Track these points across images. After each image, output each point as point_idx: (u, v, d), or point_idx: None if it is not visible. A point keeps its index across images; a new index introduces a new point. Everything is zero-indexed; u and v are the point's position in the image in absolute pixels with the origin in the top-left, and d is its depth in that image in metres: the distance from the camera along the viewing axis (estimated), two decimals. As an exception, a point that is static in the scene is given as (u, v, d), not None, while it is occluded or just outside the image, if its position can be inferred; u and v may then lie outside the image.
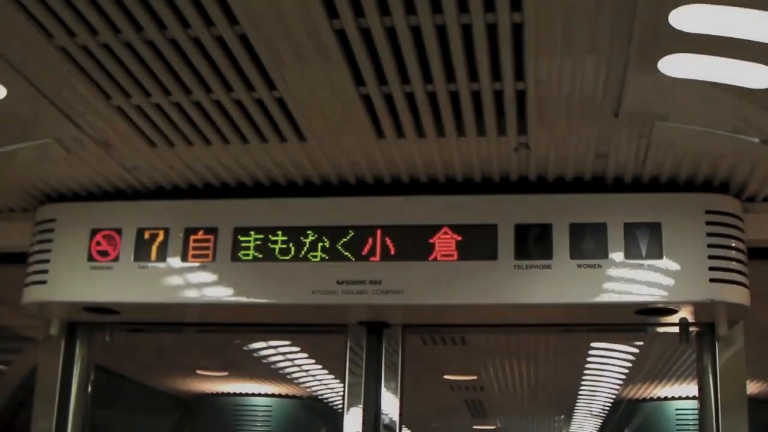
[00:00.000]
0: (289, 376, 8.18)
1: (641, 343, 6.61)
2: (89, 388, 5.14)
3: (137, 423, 8.70)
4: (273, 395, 9.19)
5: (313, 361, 7.65)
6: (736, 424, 4.45)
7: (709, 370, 4.57)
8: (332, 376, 7.97)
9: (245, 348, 7.35)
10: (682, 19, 2.89)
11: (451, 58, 3.29)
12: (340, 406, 6.58)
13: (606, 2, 2.91)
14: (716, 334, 4.51)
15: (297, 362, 7.74)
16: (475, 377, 7.97)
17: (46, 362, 5.09)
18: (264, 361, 7.63)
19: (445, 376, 7.96)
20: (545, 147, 4.06)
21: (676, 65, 3.21)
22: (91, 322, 5.04)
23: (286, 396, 9.15)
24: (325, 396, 8.65)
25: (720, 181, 4.31)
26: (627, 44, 3.12)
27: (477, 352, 7.03)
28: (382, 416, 4.69)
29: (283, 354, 7.50)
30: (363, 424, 4.67)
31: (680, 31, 2.95)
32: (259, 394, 9.21)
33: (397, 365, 4.73)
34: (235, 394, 9.22)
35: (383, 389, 4.72)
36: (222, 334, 6.19)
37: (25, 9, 3.07)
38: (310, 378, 8.21)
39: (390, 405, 4.71)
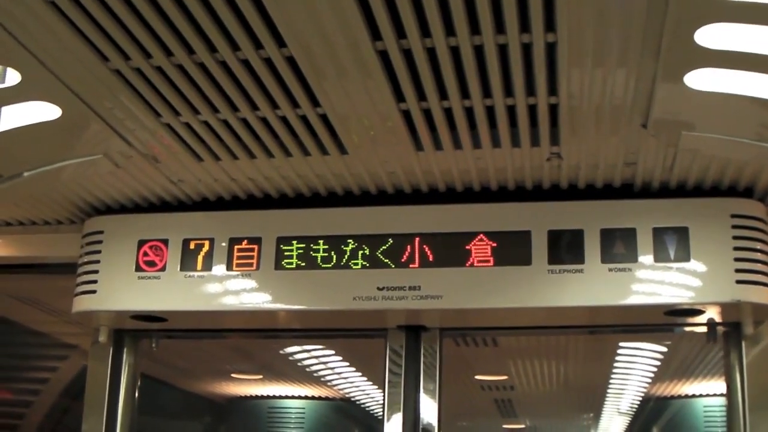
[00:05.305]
0: (321, 379, 8.26)
1: (669, 342, 6.68)
2: (136, 394, 5.27)
3: (173, 425, 8.77)
4: (306, 397, 9.26)
5: (347, 363, 7.73)
6: (763, 419, 4.55)
7: (736, 368, 4.67)
8: (365, 378, 8.03)
9: (280, 352, 7.44)
10: (707, 36, 3.00)
11: (488, 76, 3.40)
12: (371, 407, 6.60)
13: (634, 21, 3.01)
14: (742, 333, 4.62)
15: (330, 365, 7.83)
16: (505, 377, 8.04)
17: (95, 368, 5.22)
18: (298, 364, 7.71)
19: (476, 377, 8.02)
20: (576, 156, 4.16)
21: (701, 79, 3.32)
22: (137, 330, 5.17)
23: (319, 398, 9.22)
24: (356, 398, 8.70)
25: (744, 186, 4.41)
26: (655, 59, 3.23)
27: (508, 352, 7.09)
28: (421, 418, 4.80)
29: (317, 357, 7.59)
30: (403, 425, 4.76)
31: (705, 48, 3.07)
32: (293, 397, 9.27)
33: (435, 368, 4.83)
34: (268, 397, 9.30)
35: (422, 391, 4.82)
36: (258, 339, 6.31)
37: (83, 34, 3.21)
38: (342, 380, 8.28)
39: (428, 407, 4.81)
